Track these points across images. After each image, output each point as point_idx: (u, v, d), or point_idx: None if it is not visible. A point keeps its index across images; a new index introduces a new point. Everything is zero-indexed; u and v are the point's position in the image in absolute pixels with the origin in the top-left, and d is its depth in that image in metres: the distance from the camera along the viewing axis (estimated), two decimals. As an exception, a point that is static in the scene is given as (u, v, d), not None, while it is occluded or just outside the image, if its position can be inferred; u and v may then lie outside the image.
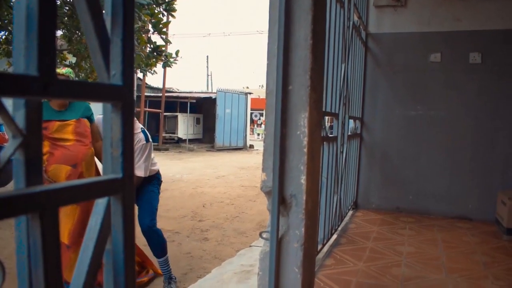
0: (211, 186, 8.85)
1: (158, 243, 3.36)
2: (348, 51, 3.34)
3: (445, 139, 4.45)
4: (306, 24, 1.76)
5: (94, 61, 0.71)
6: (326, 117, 3.18)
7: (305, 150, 1.77)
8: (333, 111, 3.01)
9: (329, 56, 2.75)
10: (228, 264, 3.03)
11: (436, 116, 4.47)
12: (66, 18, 5.59)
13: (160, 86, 18.79)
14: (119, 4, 0.70)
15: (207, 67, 41.39)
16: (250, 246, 3.45)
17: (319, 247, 2.87)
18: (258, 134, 29.82)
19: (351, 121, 4.05)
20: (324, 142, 2.79)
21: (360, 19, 4.11)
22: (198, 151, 17.89)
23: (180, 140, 19.46)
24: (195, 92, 22.66)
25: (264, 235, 1.85)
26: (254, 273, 2.64)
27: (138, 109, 17.02)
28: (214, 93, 20.14)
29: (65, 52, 7.00)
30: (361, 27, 4.25)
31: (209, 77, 37.69)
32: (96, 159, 3.11)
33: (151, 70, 7.19)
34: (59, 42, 7.40)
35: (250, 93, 21.74)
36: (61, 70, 2.97)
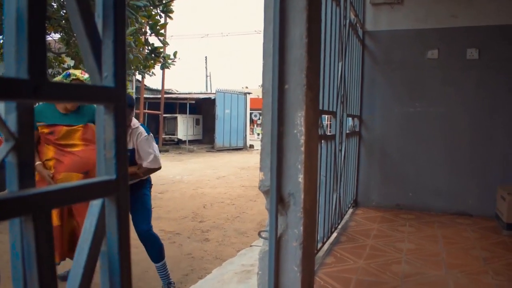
0: (212, 187, 8.86)
1: (155, 247, 3.30)
2: (345, 49, 3.35)
3: (444, 136, 4.45)
4: (301, 23, 1.76)
5: (86, 63, 0.71)
6: (325, 116, 3.19)
7: (302, 148, 1.77)
8: (330, 109, 3.01)
9: (325, 55, 2.76)
10: (228, 264, 3.04)
11: (435, 113, 4.47)
12: (63, 21, 5.59)
13: (159, 87, 18.80)
14: (110, 7, 0.70)
15: (206, 67, 41.43)
16: (251, 246, 3.45)
17: (319, 245, 2.87)
18: (258, 134, 29.83)
19: (350, 119, 4.05)
20: (322, 141, 2.79)
21: (357, 17, 4.11)
22: (198, 152, 17.89)
23: (180, 141, 19.47)
24: (194, 93, 22.66)
25: (263, 235, 1.85)
26: (255, 272, 2.64)
27: (137, 111, 17.03)
28: (213, 93, 20.13)
29: (63, 55, 7.01)
30: (357, 25, 4.25)
31: (208, 77, 37.69)
32: None
33: (149, 72, 7.20)
34: (57, 45, 7.41)
35: (249, 93, 21.74)
36: (82, 76, 2.88)
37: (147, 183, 3.41)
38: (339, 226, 3.64)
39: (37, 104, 2.78)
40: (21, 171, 0.59)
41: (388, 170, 4.64)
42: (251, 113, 22.56)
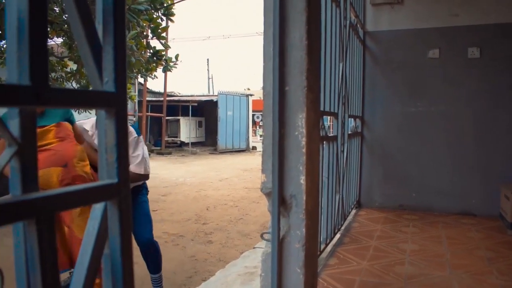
0: (215, 189, 8.87)
1: (156, 257, 3.17)
2: (345, 50, 3.35)
3: (446, 135, 4.44)
4: (300, 25, 1.77)
5: (86, 68, 0.72)
6: (328, 117, 3.19)
7: (304, 150, 1.78)
8: (332, 110, 3.02)
9: (326, 56, 2.76)
10: (232, 266, 3.04)
11: (437, 112, 4.46)
12: (66, 26, 5.61)
13: (162, 90, 18.86)
14: (109, 13, 0.71)
15: (208, 70, 41.45)
16: (254, 247, 3.45)
17: (322, 246, 2.87)
18: (260, 136, 29.77)
19: (351, 119, 4.06)
20: (324, 142, 2.80)
21: (357, 17, 4.12)
22: (201, 154, 17.92)
23: (182, 144, 19.52)
24: (197, 96, 22.74)
25: (266, 236, 1.86)
26: (258, 274, 2.64)
27: (140, 114, 17.08)
28: (216, 95, 20.19)
29: (66, 59, 7.03)
30: (358, 25, 4.26)
31: (210, 80, 37.78)
32: None
33: (152, 75, 7.21)
34: (60, 50, 7.43)
35: (251, 95, 21.77)
36: None
37: (143, 189, 3.26)
38: (342, 227, 3.64)
39: None
40: (24, 175, 0.60)
41: (391, 171, 4.64)
42: (253, 115, 22.56)
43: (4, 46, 6.22)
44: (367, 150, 4.72)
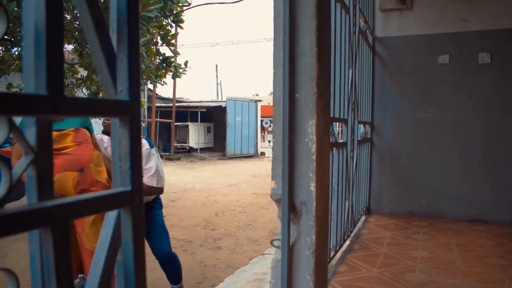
0: (223, 195, 8.88)
1: (176, 268, 3.16)
2: (355, 56, 3.35)
3: (457, 141, 4.41)
4: (310, 32, 1.77)
5: (101, 77, 0.73)
6: (337, 123, 3.19)
7: (314, 157, 1.77)
8: (342, 117, 3.01)
9: (335, 62, 2.77)
10: (241, 272, 3.04)
11: (447, 118, 4.44)
12: (76, 33, 5.68)
13: (171, 96, 18.97)
14: (124, 22, 0.72)
15: (217, 76, 41.56)
16: (263, 254, 3.45)
17: (332, 253, 2.86)
18: (269, 141, 29.81)
19: (361, 126, 4.04)
20: (334, 148, 2.79)
21: (366, 23, 4.12)
22: (210, 160, 17.95)
23: (191, 149, 19.58)
24: (205, 101, 22.83)
25: (275, 243, 1.86)
26: (267, 281, 2.64)
27: (149, 120, 17.18)
28: (224, 101, 20.25)
29: (76, 66, 7.12)
30: (367, 31, 4.26)
31: (219, 85, 37.91)
32: None
33: (161, 81, 7.27)
34: (70, 56, 7.53)
35: (260, 101, 21.82)
36: None
37: (157, 204, 3.26)
38: (352, 234, 3.62)
39: None
40: (40, 183, 0.61)
41: (401, 177, 4.61)
42: (262, 120, 22.60)
43: (16, 53, 6.31)
44: (376, 156, 4.70)
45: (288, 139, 1.77)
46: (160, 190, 3.04)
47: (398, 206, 4.60)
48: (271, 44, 1.88)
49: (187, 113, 20.29)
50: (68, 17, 5.59)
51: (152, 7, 5.06)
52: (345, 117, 3.12)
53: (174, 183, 9.85)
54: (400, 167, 4.62)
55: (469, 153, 4.36)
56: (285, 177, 1.78)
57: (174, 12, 6.44)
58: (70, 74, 7.18)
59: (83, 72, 7.04)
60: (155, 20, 5.57)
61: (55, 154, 2.59)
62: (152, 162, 3.00)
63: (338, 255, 3.08)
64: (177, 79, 15.97)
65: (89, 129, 2.89)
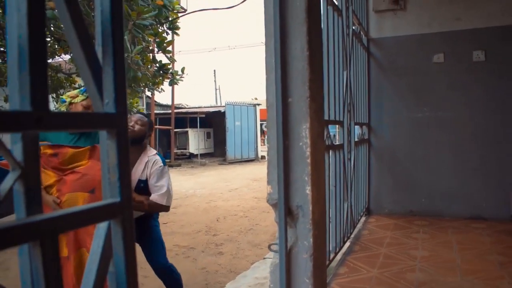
0: (224, 200, 8.88)
1: (175, 280, 3.11)
2: (349, 58, 3.36)
3: (454, 139, 4.42)
4: (301, 36, 1.78)
5: (88, 90, 0.74)
6: (336, 125, 3.20)
7: (309, 160, 1.78)
8: (337, 119, 3.02)
9: (329, 65, 2.78)
10: (242, 277, 3.04)
11: (444, 117, 4.45)
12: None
13: (169, 103, 18.98)
14: (108, 35, 0.73)
15: (215, 81, 41.58)
16: (264, 258, 3.45)
17: (332, 255, 2.86)
18: (269, 145, 29.79)
19: (358, 127, 4.05)
20: (330, 151, 2.80)
21: (360, 25, 4.13)
22: (210, 165, 17.95)
23: (192, 155, 19.57)
24: (204, 107, 22.84)
25: (273, 248, 1.86)
26: (268, 285, 2.64)
27: (148, 127, 17.15)
28: (223, 106, 20.27)
29: (73, 76, 7.14)
30: (361, 33, 4.27)
31: (217, 90, 37.94)
32: None
33: (159, 88, 7.28)
34: (68, 66, 7.55)
35: (258, 104, 21.81)
36: (75, 99, 2.66)
37: (155, 214, 3.21)
38: (352, 235, 3.62)
39: None
40: (28, 198, 0.62)
41: (400, 176, 4.62)
42: (261, 124, 22.59)
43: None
44: (374, 156, 4.70)
45: (282, 144, 1.77)
46: (167, 208, 3.03)
47: (398, 206, 4.60)
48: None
49: (186, 119, 20.31)
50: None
51: (147, 15, 5.08)
52: (341, 119, 3.12)
53: (175, 190, 9.83)
54: (398, 167, 4.62)
55: (467, 150, 4.37)
56: (280, 181, 1.78)
57: (170, 19, 6.46)
58: (67, 84, 7.21)
59: (80, 82, 7.06)
60: (150, 27, 5.59)
61: (67, 173, 2.54)
62: (165, 180, 2.99)
63: (338, 257, 3.08)
64: (176, 86, 15.98)
65: None
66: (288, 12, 1.80)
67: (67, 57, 6.73)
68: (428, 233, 3.81)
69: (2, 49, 5.60)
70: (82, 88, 2.83)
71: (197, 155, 19.25)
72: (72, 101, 2.68)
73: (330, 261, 2.80)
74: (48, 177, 2.52)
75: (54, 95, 7.06)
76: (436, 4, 4.42)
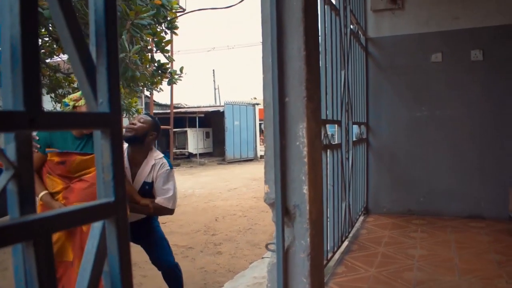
0: (223, 199, 8.87)
1: (179, 279, 3.08)
2: (347, 57, 3.36)
3: (453, 138, 4.42)
4: (298, 36, 1.78)
5: (82, 90, 0.74)
6: (335, 124, 3.20)
7: (306, 160, 1.78)
8: (335, 118, 3.02)
9: (327, 65, 2.78)
10: (240, 277, 3.04)
11: (442, 116, 4.45)
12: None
13: (168, 102, 18.95)
14: (102, 35, 0.73)
15: (214, 80, 41.68)
16: (262, 257, 3.45)
17: (330, 255, 2.86)
18: (268, 144, 29.79)
19: (356, 126, 4.05)
20: (328, 150, 2.80)
21: (358, 24, 4.14)
22: (209, 165, 17.94)
23: (191, 155, 19.56)
24: (203, 107, 22.83)
25: (271, 247, 1.86)
26: (266, 285, 2.64)
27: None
28: (222, 106, 20.27)
29: (72, 75, 7.13)
30: (359, 32, 4.28)
31: (216, 90, 37.93)
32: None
33: (157, 88, 7.27)
34: (66, 66, 7.54)
35: (257, 104, 21.80)
36: (78, 102, 2.59)
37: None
38: (350, 235, 3.63)
39: None
40: (21, 198, 0.62)
41: (398, 176, 4.62)
42: (260, 124, 22.57)
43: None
44: (373, 156, 4.71)
45: (279, 143, 1.78)
46: (172, 212, 3.04)
47: (396, 205, 4.61)
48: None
49: (185, 119, 20.30)
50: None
51: (145, 14, 5.07)
52: (339, 119, 3.13)
53: (173, 189, 9.82)
54: (397, 166, 4.63)
55: (465, 150, 4.37)
56: (277, 181, 1.78)
57: (168, 18, 6.46)
58: (66, 84, 7.19)
59: (79, 82, 7.04)
60: (148, 27, 5.59)
61: (75, 180, 2.54)
62: (171, 183, 3.00)
63: (336, 256, 3.08)
64: (174, 86, 15.97)
65: None
66: (284, 12, 1.80)
67: (65, 56, 6.72)
68: (426, 232, 3.81)
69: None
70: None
71: (196, 154, 19.24)
72: (76, 104, 2.63)
73: (328, 261, 2.80)
74: (54, 183, 2.53)
75: (52, 94, 7.04)
76: (434, 4, 4.42)
